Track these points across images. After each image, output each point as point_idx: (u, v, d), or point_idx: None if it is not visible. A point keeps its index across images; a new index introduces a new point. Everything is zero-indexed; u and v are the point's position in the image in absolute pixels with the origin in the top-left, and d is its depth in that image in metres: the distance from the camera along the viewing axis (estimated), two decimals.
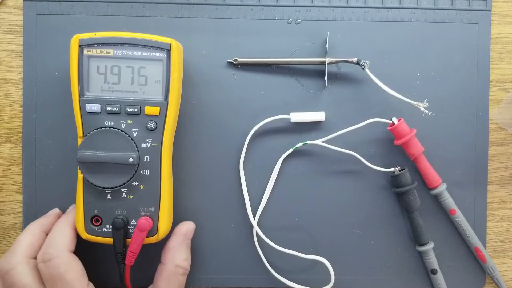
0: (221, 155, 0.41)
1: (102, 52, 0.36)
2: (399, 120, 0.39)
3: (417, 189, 0.41)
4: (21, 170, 0.41)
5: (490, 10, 0.42)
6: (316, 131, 0.42)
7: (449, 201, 0.41)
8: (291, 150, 0.41)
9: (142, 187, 0.36)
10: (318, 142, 0.41)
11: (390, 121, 0.40)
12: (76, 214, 0.37)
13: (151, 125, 0.36)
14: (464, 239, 0.42)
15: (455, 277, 0.42)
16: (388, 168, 0.41)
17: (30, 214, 0.41)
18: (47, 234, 0.37)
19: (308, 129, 0.42)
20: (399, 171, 0.40)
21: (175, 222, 0.40)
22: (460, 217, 0.41)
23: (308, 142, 0.41)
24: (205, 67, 0.41)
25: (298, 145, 0.41)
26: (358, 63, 0.40)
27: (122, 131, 0.36)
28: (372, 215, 0.42)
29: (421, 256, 0.42)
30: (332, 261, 0.40)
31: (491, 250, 0.43)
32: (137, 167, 0.36)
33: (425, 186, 0.42)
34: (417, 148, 0.40)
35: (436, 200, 0.42)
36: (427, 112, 0.39)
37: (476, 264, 0.42)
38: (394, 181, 0.41)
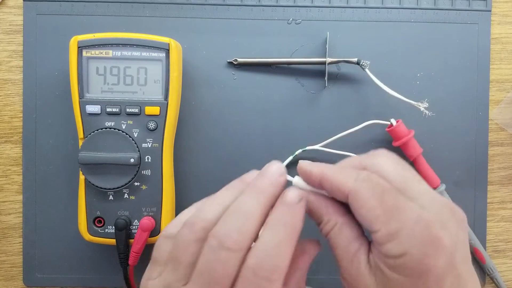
0: (221, 155, 0.41)
1: (101, 53, 0.36)
2: (397, 122, 0.39)
3: None
4: (21, 170, 0.41)
5: (490, 10, 0.42)
6: (316, 132, 0.41)
7: None
8: (291, 158, 0.41)
9: (143, 187, 0.37)
10: (317, 147, 0.41)
11: (388, 123, 0.40)
12: (78, 216, 0.37)
13: (151, 125, 0.36)
14: None
15: None
16: None
17: (30, 214, 0.41)
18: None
19: (308, 130, 0.42)
20: None
21: None
22: None
23: (307, 148, 0.41)
24: (205, 67, 0.41)
25: (297, 152, 0.41)
26: (358, 63, 0.40)
27: (122, 131, 0.36)
28: None
29: None
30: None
31: (491, 250, 0.43)
32: (139, 168, 0.36)
33: None
34: (415, 149, 0.40)
35: None
36: (427, 112, 0.39)
37: (476, 264, 0.42)
38: None
